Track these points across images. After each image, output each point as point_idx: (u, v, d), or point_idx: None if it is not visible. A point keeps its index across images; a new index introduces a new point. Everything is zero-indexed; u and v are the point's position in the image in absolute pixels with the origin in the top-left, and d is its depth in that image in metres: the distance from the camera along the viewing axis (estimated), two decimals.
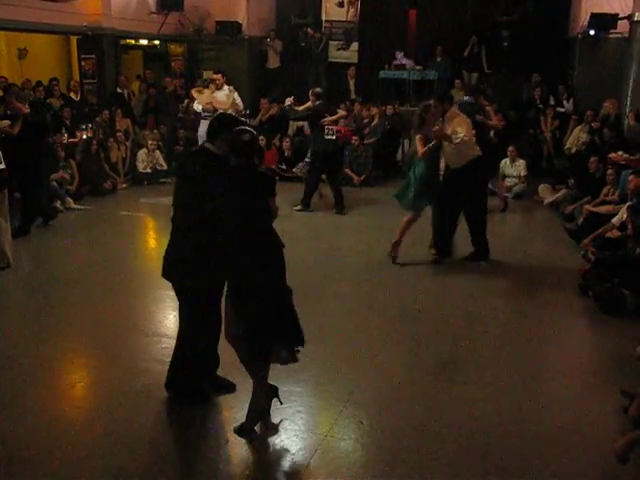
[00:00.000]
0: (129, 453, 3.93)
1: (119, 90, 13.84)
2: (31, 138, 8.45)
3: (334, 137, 9.87)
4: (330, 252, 7.80)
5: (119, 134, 12.12)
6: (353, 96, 14.33)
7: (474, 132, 7.22)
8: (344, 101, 13.56)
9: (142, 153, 12.13)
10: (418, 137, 7.08)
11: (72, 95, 13.18)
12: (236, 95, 11.53)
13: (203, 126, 10.66)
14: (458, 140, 6.90)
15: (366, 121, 13.14)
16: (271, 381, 4.72)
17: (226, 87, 11.40)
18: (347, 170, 11.92)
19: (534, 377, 4.95)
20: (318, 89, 10.24)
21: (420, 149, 7.00)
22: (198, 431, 4.20)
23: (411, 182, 7.19)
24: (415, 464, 3.87)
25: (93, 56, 14.57)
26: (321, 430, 4.23)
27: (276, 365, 4.94)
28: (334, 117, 10.01)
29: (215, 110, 10.36)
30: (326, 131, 9.78)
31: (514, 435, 4.13)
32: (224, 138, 4.06)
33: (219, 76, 11.37)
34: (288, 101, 10.61)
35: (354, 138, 12.08)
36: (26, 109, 8.61)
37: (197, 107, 11.46)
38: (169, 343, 5.53)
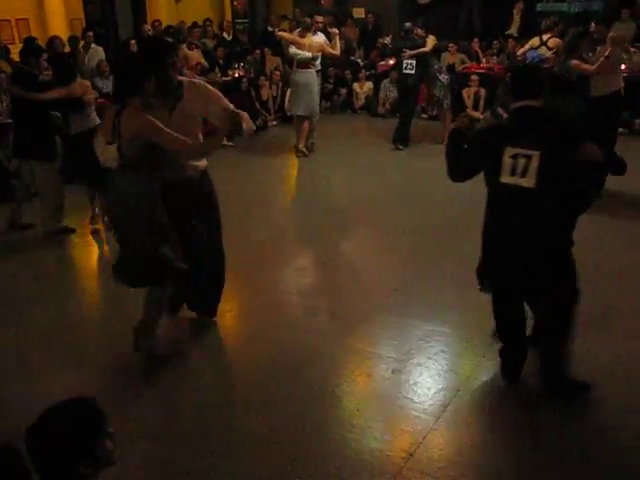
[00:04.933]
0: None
1: (270, 29, 13.99)
2: None
3: (412, 71, 9.77)
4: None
5: (276, 72, 12.26)
6: (513, 32, 13.45)
7: None
8: (497, 37, 12.98)
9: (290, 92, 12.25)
10: (574, 62, 6.69)
11: (224, 35, 13.50)
12: (337, 39, 10.13)
13: (301, 74, 9.57)
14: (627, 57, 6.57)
15: (520, 58, 12.49)
16: (415, 320, 4.74)
17: (320, 33, 9.90)
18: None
19: None
20: (408, 24, 10.12)
21: (587, 66, 6.62)
22: (340, 363, 4.29)
23: None
24: (552, 408, 3.76)
25: None
26: (464, 371, 4.19)
27: (420, 303, 4.98)
28: (414, 52, 9.71)
29: (317, 57, 9.68)
30: (404, 65, 9.79)
31: None
32: None
33: (321, 19, 10.11)
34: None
35: (508, 75, 11.57)
36: None
37: (304, 54, 9.53)
38: (314, 277, 5.71)
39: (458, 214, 6.93)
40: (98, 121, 6.33)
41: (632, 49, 6.83)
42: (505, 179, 3.57)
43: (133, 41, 10.87)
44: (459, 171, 3.91)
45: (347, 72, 13.08)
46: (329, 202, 7.73)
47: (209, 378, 4.31)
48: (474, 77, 11.88)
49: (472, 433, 3.61)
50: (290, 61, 11.09)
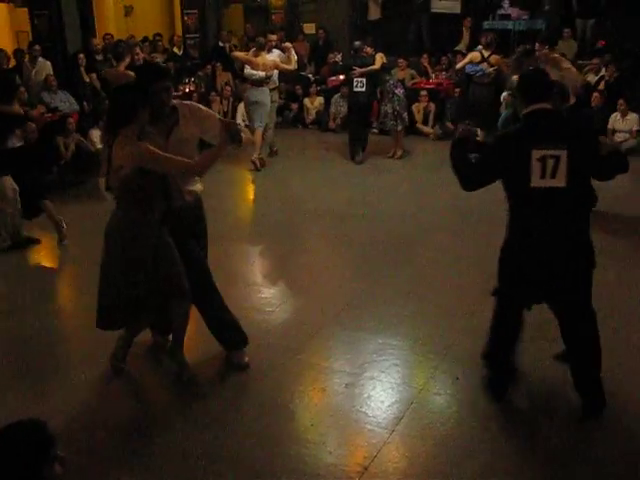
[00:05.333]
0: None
1: (220, 44, 13.99)
2: None
3: (363, 89, 9.94)
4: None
5: (227, 88, 12.27)
6: (462, 48, 13.64)
7: None
8: (446, 53, 13.21)
9: (242, 106, 12.26)
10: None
11: (175, 50, 13.44)
12: (293, 52, 10.20)
13: (253, 92, 9.68)
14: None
15: (459, 72, 12.70)
16: (367, 334, 4.77)
17: (275, 50, 10.07)
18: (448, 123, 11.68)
19: None
20: (357, 42, 10.31)
21: None
22: (281, 380, 4.29)
23: None
24: (508, 422, 3.81)
25: (195, 11, 14.79)
26: (417, 384, 4.22)
27: (372, 317, 5.01)
28: (363, 70, 9.87)
29: (271, 75, 9.76)
30: (355, 83, 9.95)
31: None
32: None
33: (274, 37, 10.23)
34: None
35: (456, 90, 11.83)
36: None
37: (257, 74, 9.62)
38: (268, 293, 5.69)
39: (408, 228, 7.03)
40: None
41: (569, 66, 7.00)
42: (536, 182, 3.52)
43: (82, 55, 10.75)
44: (475, 181, 3.83)
45: (298, 87, 13.15)
46: (280, 216, 7.73)
47: (165, 394, 4.26)
48: (423, 92, 12.09)
49: (426, 445, 3.64)
50: (242, 77, 11.11)
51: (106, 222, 3.97)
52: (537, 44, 7.13)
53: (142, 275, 3.90)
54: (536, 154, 3.48)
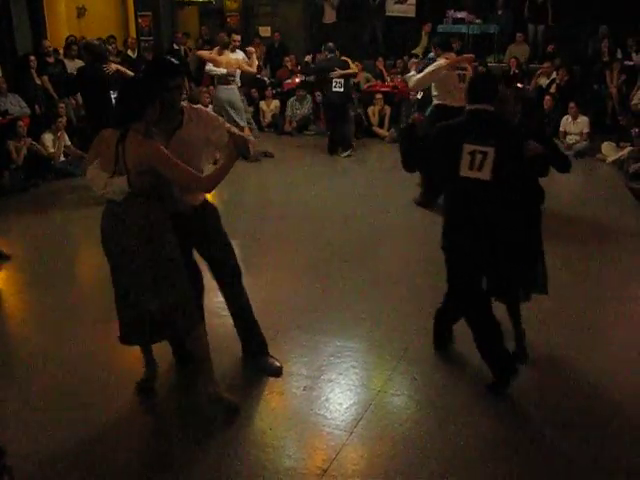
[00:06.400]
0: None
1: (175, 47, 13.88)
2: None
3: (342, 89, 10.44)
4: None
5: None
6: (419, 52, 13.77)
7: None
8: (401, 56, 13.34)
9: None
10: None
11: (129, 52, 13.29)
12: (254, 57, 10.49)
13: (224, 91, 9.85)
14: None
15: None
16: (324, 337, 4.77)
17: (239, 50, 10.22)
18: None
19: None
20: (330, 44, 10.86)
21: None
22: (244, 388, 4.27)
23: None
24: (467, 421, 3.84)
25: (149, 13, 14.65)
26: (375, 385, 4.23)
27: (329, 319, 5.01)
28: (344, 72, 10.41)
29: (235, 74, 9.90)
30: (334, 83, 10.41)
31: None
32: None
33: (238, 37, 10.34)
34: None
35: (412, 94, 11.93)
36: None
37: (219, 70, 9.86)
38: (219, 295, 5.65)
39: (364, 230, 7.07)
40: None
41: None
42: (464, 173, 3.90)
43: (32, 57, 10.55)
44: (413, 162, 4.41)
45: (254, 90, 13.11)
46: (235, 219, 7.68)
47: (121, 402, 4.20)
48: (379, 95, 12.17)
49: (385, 446, 3.65)
50: (196, 80, 11.06)
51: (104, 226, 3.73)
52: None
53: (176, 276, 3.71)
54: (467, 148, 3.87)
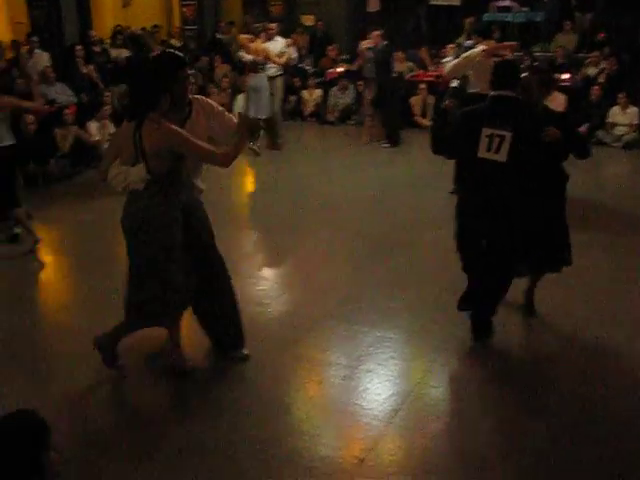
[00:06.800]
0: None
1: (218, 36, 13.93)
2: None
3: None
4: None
5: (225, 80, 12.22)
6: (460, 40, 13.57)
7: None
8: (445, 45, 13.16)
9: (240, 98, 12.20)
10: None
11: (173, 41, 13.39)
12: (292, 49, 10.77)
13: (252, 78, 9.96)
14: None
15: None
16: (364, 327, 4.76)
17: (279, 39, 10.34)
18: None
19: None
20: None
21: None
22: (280, 374, 4.28)
23: None
24: (505, 416, 3.81)
25: (194, 2, 14.74)
26: (414, 377, 4.22)
27: (369, 310, 5.00)
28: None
29: (265, 62, 9.93)
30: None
31: None
32: None
33: (274, 25, 10.46)
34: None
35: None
36: None
37: (245, 56, 10.12)
38: (266, 285, 5.68)
39: (406, 220, 7.02)
40: None
41: None
42: (481, 154, 4.17)
43: (79, 47, 10.71)
44: (441, 144, 4.60)
45: (296, 79, 13.09)
46: (278, 208, 7.71)
47: (164, 386, 4.25)
48: (422, 85, 12.03)
49: (423, 438, 3.63)
50: (240, 68, 11.11)
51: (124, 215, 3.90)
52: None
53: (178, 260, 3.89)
54: (485, 131, 4.15)
